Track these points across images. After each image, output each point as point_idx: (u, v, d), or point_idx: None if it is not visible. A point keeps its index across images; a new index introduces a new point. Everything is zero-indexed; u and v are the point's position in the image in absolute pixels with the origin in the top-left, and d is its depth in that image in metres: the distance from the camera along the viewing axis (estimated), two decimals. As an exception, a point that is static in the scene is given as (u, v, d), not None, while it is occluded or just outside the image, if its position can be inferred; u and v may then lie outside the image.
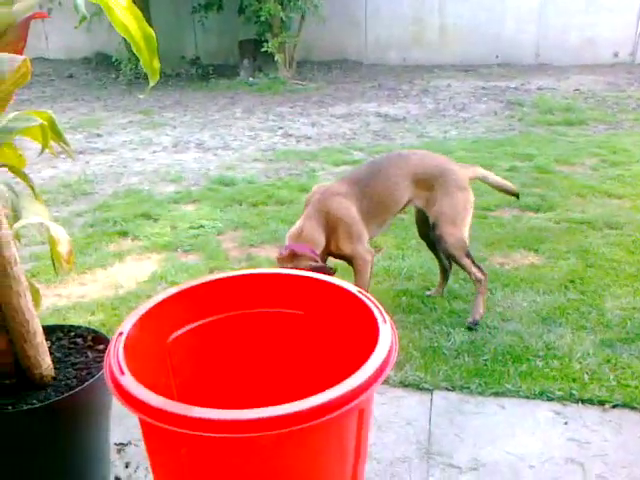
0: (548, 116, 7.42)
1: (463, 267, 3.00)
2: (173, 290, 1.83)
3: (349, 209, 2.84)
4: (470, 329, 2.94)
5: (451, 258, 3.04)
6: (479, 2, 11.14)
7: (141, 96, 8.88)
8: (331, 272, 2.60)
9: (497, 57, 11.19)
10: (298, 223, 2.86)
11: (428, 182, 2.97)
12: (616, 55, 11.07)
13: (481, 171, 3.17)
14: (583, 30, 10.93)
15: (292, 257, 2.70)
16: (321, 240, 2.80)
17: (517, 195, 3.35)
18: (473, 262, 2.99)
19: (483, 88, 9.32)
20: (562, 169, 5.41)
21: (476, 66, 10.99)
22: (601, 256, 3.68)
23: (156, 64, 1.83)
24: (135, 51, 1.78)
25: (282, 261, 2.72)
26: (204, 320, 1.86)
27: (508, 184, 3.29)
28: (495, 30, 11.20)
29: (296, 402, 1.30)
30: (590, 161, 5.62)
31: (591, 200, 4.64)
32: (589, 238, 3.95)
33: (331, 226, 2.82)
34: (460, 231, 2.94)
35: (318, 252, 2.76)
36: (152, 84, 1.82)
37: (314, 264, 2.65)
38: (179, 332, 1.83)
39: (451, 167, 3.03)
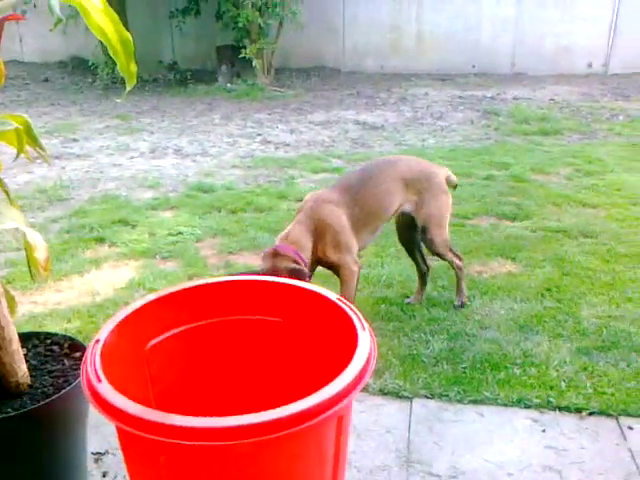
0: (524, 125, 7.51)
1: (447, 260, 3.23)
2: (151, 297, 1.81)
3: (339, 217, 2.86)
4: (450, 337, 2.97)
5: (438, 255, 3.22)
6: (456, 11, 11.28)
7: (118, 100, 8.80)
8: (306, 276, 2.60)
9: (474, 66, 11.32)
10: (288, 227, 2.87)
11: (416, 187, 3.06)
12: (590, 66, 11.28)
13: (449, 172, 3.28)
14: (558, 40, 11.12)
15: (274, 255, 2.70)
16: (308, 245, 2.80)
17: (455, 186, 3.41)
18: (455, 254, 3.24)
19: (460, 97, 9.41)
20: (538, 178, 5.48)
21: (453, 75, 11.11)
22: (577, 264, 3.73)
23: (133, 68, 1.81)
24: (112, 55, 1.76)
25: (264, 258, 2.73)
26: (183, 327, 1.84)
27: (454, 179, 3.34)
28: (472, 39, 11.34)
29: (275, 409, 1.29)
30: (565, 170, 5.71)
31: (566, 209, 4.70)
32: (565, 247, 4.00)
33: (320, 233, 2.82)
34: (445, 231, 3.15)
35: (304, 256, 2.76)
36: (129, 88, 1.80)
37: (292, 266, 2.64)
38: (157, 339, 1.81)
39: (434, 170, 3.15)
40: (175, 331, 1.85)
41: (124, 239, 4.20)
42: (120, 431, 1.53)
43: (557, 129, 7.33)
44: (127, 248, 4.07)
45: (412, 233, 3.27)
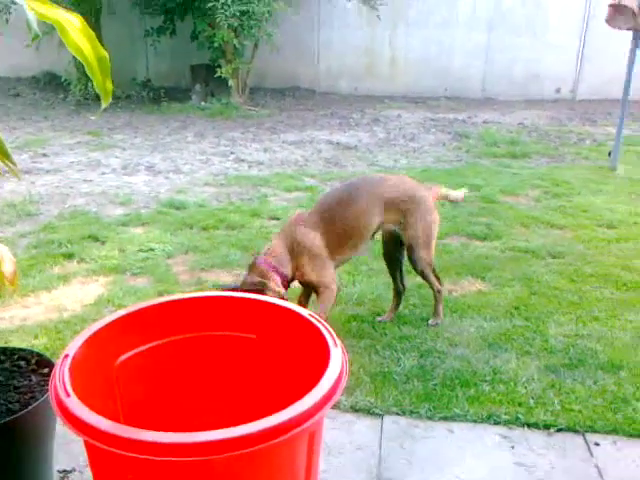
0: (494, 148, 7.66)
1: (429, 282, 3.27)
2: (121, 312, 1.80)
3: (314, 240, 2.92)
4: (420, 355, 2.99)
5: (421, 275, 3.26)
6: (428, 36, 11.50)
7: (92, 117, 8.73)
8: (270, 292, 2.68)
9: (446, 90, 11.53)
10: (271, 242, 2.99)
11: (399, 207, 3.09)
12: (558, 91, 11.58)
13: (442, 191, 3.36)
14: (528, 66, 11.41)
15: (249, 267, 2.87)
16: (287, 260, 2.89)
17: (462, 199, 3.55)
18: (437, 276, 3.29)
19: (432, 119, 9.56)
20: (507, 200, 5.58)
21: (425, 98, 11.30)
22: (544, 284, 3.79)
23: (109, 86, 1.81)
24: (88, 72, 1.77)
25: (247, 268, 2.90)
26: (153, 343, 1.82)
27: (461, 195, 3.45)
28: (444, 64, 11.56)
29: (246, 425, 1.29)
30: (533, 192, 5.82)
31: (535, 230, 4.79)
32: (533, 266, 4.07)
33: (296, 254, 2.90)
34: (431, 252, 3.20)
35: (284, 270, 2.85)
36: (104, 105, 1.80)
37: (253, 280, 2.77)
38: (127, 355, 1.79)
39: (421, 193, 3.17)
40: (145, 347, 1.83)
41: (93, 255, 4.15)
42: (88, 446, 1.51)
43: (526, 152, 7.48)
44: (96, 264, 4.02)
45: (397, 250, 3.30)
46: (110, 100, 1.82)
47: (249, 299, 1.86)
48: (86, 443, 1.47)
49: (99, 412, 1.41)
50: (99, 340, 1.71)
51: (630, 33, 6.25)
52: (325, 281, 2.91)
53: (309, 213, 3.04)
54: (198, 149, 7.51)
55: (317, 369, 1.51)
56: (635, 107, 10.12)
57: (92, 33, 1.77)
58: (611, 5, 6.02)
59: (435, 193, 3.27)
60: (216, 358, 1.86)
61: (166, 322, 1.84)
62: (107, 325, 1.75)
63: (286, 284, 2.90)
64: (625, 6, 5.84)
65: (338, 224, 2.96)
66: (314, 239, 2.90)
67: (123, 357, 1.78)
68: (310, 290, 3.06)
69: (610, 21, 6.15)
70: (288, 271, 2.88)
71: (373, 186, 3.11)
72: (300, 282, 3.00)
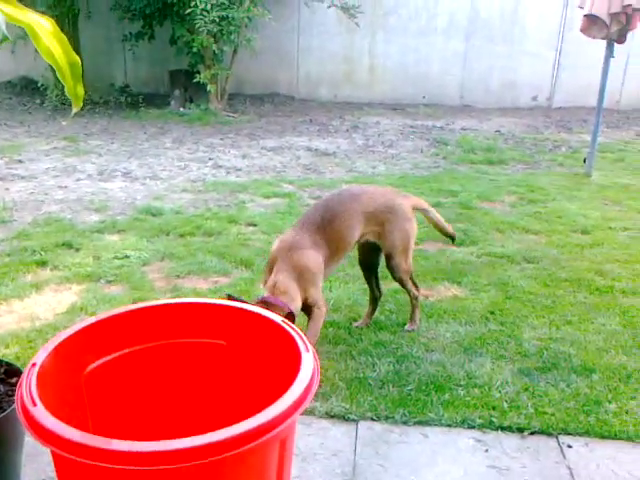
0: (471, 155, 7.72)
1: (407, 289, 3.28)
2: (91, 320, 1.78)
3: (318, 261, 2.89)
4: (396, 360, 2.99)
5: (400, 282, 3.27)
6: (407, 44, 11.58)
7: (64, 123, 8.64)
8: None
9: (424, 97, 11.60)
10: (272, 277, 2.83)
11: (379, 219, 3.11)
12: (535, 99, 11.72)
13: (424, 205, 3.37)
14: (505, 74, 11.53)
15: (264, 306, 2.67)
16: (296, 295, 2.79)
17: (453, 239, 3.58)
18: (413, 283, 3.31)
19: (410, 126, 9.62)
20: (483, 205, 5.63)
21: (404, 105, 11.36)
22: (519, 289, 3.83)
23: (80, 91, 1.79)
24: (59, 77, 1.75)
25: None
26: (123, 351, 1.81)
27: (447, 226, 3.45)
28: (422, 71, 11.65)
29: (216, 432, 1.28)
30: (509, 198, 5.88)
31: (510, 235, 4.84)
32: (508, 271, 4.11)
33: (300, 277, 2.82)
34: (409, 259, 3.21)
35: (293, 308, 2.70)
36: (75, 110, 1.79)
37: (287, 311, 2.58)
38: (97, 363, 1.77)
39: (398, 202, 3.18)
40: (116, 355, 1.81)
41: (67, 262, 4.10)
42: (56, 457, 1.49)
43: (502, 159, 7.55)
44: (70, 272, 3.97)
45: (374, 258, 3.32)
46: (81, 105, 1.81)
47: (219, 305, 1.85)
48: (53, 454, 1.45)
49: (67, 422, 1.39)
50: (67, 348, 1.69)
51: (604, 42, 6.36)
52: (319, 299, 2.88)
53: (299, 236, 2.92)
54: (176, 155, 7.47)
55: (288, 375, 1.50)
56: (609, 115, 10.31)
57: (64, 37, 1.75)
58: (585, 15, 6.12)
59: (412, 202, 3.27)
60: (186, 365, 1.84)
61: (136, 330, 1.82)
62: (76, 333, 1.73)
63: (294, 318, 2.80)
64: (598, 16, 5.94)
65: (330, 242, 2.95)
66: (316, 258, 2.87)
67: (92, 365, 1.77)
68: None
69: (585, 31, 6.25)
70: (298, 306, 2.77)
71: (353, 201, 3.10)
72: None
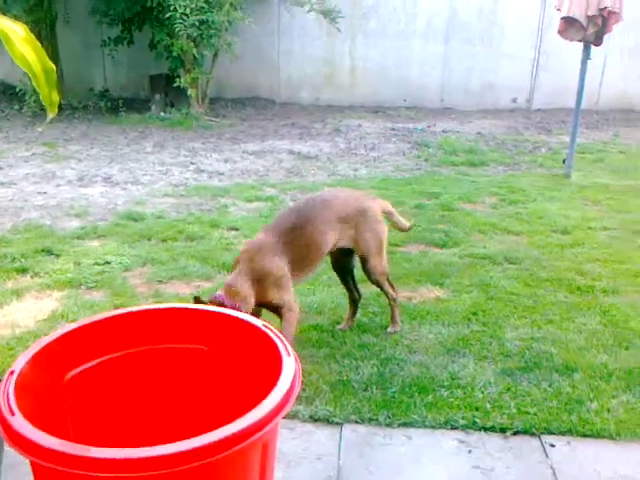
0: (452, 157, 7.77)
1: (384, 290, 3.30)
2: (70, 327, 1.76)
3: (278, 264, 2.87)
4: (380, 362, 3.00)
5: (376, 284, 3.28)
6: (387, 47, 11.62)
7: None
8: None
9: (405, 100, 11.65)
10: (231, 277, 2.86)
11: (351, 222, 3.12)
12: (514, 101, 11.82)
13: (390, 208, 3.38)
14: (484, 76, 11.62)
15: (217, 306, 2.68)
16: (249, 297, 2.79)
17: (408, 229, 3.59)
18: (391, 285, 3.32)
19: (392, 129, 9.65)
20: (465, 207, 5.66)
21: (385, 108, 11.40)
22: (501, 289, 3.85)
23: (55, 97, 1.78)
24: (34, 83, 1.73)
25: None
26: (103, 357, 1.79)
27: (405, 224, 3.49)
28: (403, 74, 11.70)
29: (197, 438, 1.27)
30: (491, 200, 5.92)
31: (492, 236, 4.87)
32: (490, 272, 4.13)
33: (261, 281, 2.82)
34: (383, 260, 3.24)
35: (244, 308, 2.70)
36: (50, 117, 1.78)
37: None
38: (77, 370, 1.75)
39: (368, 204, 3.21)
40: (95, 362, 1.80)
41: (47, 269, 4.06)
42: (35, 467, 1.47)
43: (483, 161, 7.61)
44: (50, 278, 3.93)
45: (346, 261, 3.33)
46: (56, 112, 1.79)
47: (200, 310, 1.84)
48: (32, 463, 1.43)
49: (47, 430, 1.37)
50: (47, 356, 1.67)
51: (582, 44, 6.43)
52: (287, 300, 2.87)
53: (265, 241, 2.94)
54: (157, 160, 7.43)
55: (270, 379, 1.50)
56: (588, 116, 10.43)
57: (38, 44, 1.74)
58: (563, 18, 6.19)
59: (381, 205, 3.30)
60: (168, 371, 1.83)
61: (117, 336, 1.81)
62: (55, 340, 1.71)
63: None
64: (575, 19, 6.01)
65: (298, 248, 2.94)
66: (279, 263, 2.86)
67: (72, 372, 1.75)
68: (260, 309, 3.04)
69: (562, 33, 6.32)
70: (249, 309, 2.75)
71: (326, 207, 3.10)
72: (263, 306, 2.93)
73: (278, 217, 3.16)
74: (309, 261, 3.02)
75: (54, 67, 1.75)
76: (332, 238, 3.07)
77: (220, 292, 2.79)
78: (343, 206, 3.14)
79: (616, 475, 2.30)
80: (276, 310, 2.92)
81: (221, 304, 2.64)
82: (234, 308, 2.64)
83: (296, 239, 2.94)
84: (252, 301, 2.80)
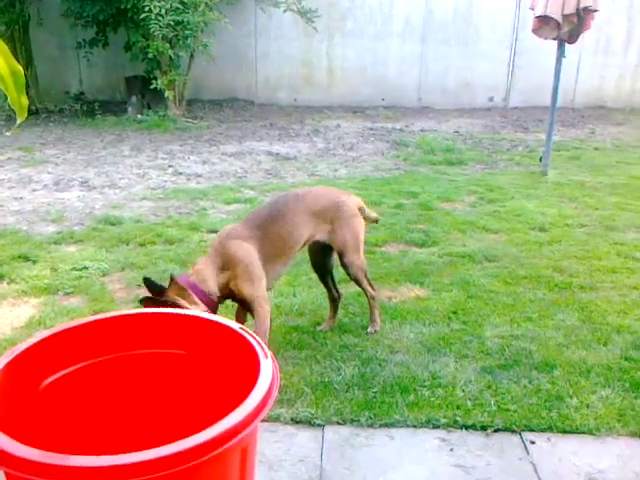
0: (430, 156, 7.81)
1: (363, 287, 3.30)
2: (45, 333, 1.73)
3: (249, 252, 2.85)
4: (361, 363, 3.00)
5: (356, 281, 3.28)
6: (364, 47, 11.66)
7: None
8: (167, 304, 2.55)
9: (383, 100, 11.70)
10: (200, 261, 2.89)
11: (326, 216, 3.12)
12: (491, 100, 11.93)
13: (361, 203, 3.38)
14: (461, 75, 11.71)
15: (169, 285, 2.70)
16: (210, 278, 2.78)
17: (376, 221, 3.58)
18: (369, 282, 3.31)
19: (370, 129, 9.68)
20: (444, 206, 5.69)
21: (364, 108, 11.44)
22: (481, 287, 3.88)
23: (24, 101, 1.75)
24: (2, 88, 1.70)
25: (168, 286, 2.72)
26: (80, 364, 1.76)
27: (374, 214, 3.49)
28: (380, 74, 11.75)
29: (175, 443, 1.26)
30: (469, 198, 5.96)
31: (471, 235, 4.90)
32: (470, 271, 4.15)
33: (230, 268, 2.81)
34: (361, 256, 3.24)
35: (204, 287, 2.74)
36: (20, 121, 1.75)
37: (162, 298, 2.61)
38: (53, 377, 1.72)
39: (343, 199, 3.23)
40: (73, 368, 1.77)
41: (24, 275, 4.00)
42: (10, 478, 1.44)
43: (461, 159, 7.66)
44: (27, 285, 3.87)
45: (325, 259, 3.33)
46: (25, 116, 1.76)
47: (178, 315, 1.82)
48: (7, 476, 1.40)
49: (24, 440, 1.35)
50: (21, 363, 1.64)
51: (556, 42, 6.50)
52: (259, 295, 2.84)
53: (238, 228, 2.96)
54: (135, 163, 7.36)
55: (248, 382, 1.48)
56: (564, 113, 10.56)
57: (4, 46, 1.70)
58: (537, 16, 6.25)
59: (356, 200, 3.31)
60: (145, 376, 1.81)
61: (94, 342, 1.78)
62: (30, 347, 1.68)
63: (211, 302, 2.77)
64: (550, 17, 6.07)
65: (270, 239, 2.94)
66: (248, 249, 2.85)
67: (48, 380, 1.72)
68: (245, 314, 3.03)
69: (537, 31, 6.38)
70: (211, 287, 2.76)
71: (299, 201, 3.11)
72: (234, 299, 2.93)
73: (252, 212, 3.18)
74: (282, 254, 3.01)
75: (22, 70, 1.72)
76: (306, 231, 3.07)
77: (186, 275, 2.80)
78: (316, 199, 3.15)
79: (595, 470, 2.32)
80: (248, 306, 2.90)
81: (172, 282, 2.68)
82: (189, 285, 2.70)
83: (269, 231, 2.95)
84: (212, 282, 2.77)
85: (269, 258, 2.92)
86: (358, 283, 3.29)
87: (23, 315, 3.52)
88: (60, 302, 3.69)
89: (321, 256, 3.32)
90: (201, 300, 2.71)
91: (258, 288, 2.85)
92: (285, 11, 10.20)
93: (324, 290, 3.45)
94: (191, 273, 2.82)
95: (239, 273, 2.82)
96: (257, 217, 3.03)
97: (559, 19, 6.05)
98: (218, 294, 2.81)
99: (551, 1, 6.02)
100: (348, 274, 3.25)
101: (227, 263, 2.81)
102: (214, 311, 2.75)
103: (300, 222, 3.04)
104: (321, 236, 3.14)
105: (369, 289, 3.31)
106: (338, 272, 3.43)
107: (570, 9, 5.95)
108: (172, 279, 2.70)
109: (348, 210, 3.18)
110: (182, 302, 2.61)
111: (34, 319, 3.45)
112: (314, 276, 3.88)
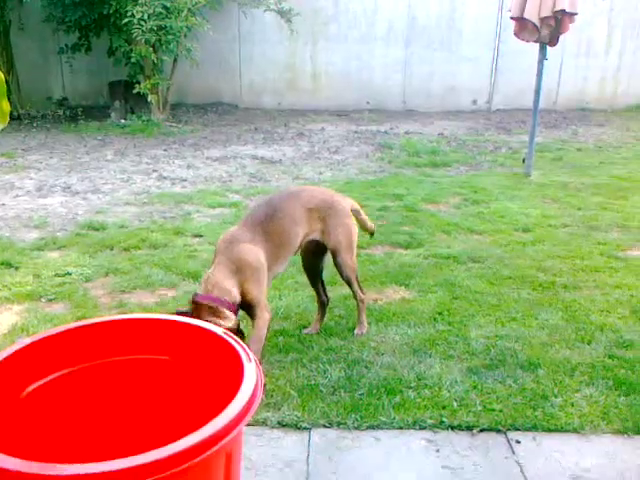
0: (415, 158, 7.84)
1: (353, 290, 3.30)
2: (27, 341, 1.71)
3: (257, 255, 2.85)
4: (347, 365, 2.99)
5: (347, 281, 3.27)
6: (348, 51, 11.70)
7: None
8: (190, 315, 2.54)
9: (368, 103, 11.74)
10: (210, 269, 2.83)
11: (320, 214, 3.13)
12: (475, 102, 12.01)
13: (357, 205, 3.39)
14: (445, 79, 11.78)
15: (194, 309, 2.66)
16: (231, 287, 2.76)
17: (372, 233, 3.59)
18: (359, 285, 3.32)
19: (355, 132, 9.71)
20: (429, 208, 5.71)
21: (348, 111, 11.46)
22: (466, 288, 3.89)
23: (6, 107, 1.74)
24: (-17, 93, 1.69)
25: (192, 310, 2.68)
26: (63, 371, 1.74)
27: (370, 224, 3.50)
28: (365, 78, 11.79)
29: (158, 449, 1.25)
30: (453, 200, 5.99)
31: (455, 236, 4.92)
32: (455, 272, 4.17)
33: (240, 272, 2.80)
34: (354, 256, 3.25)
35: (228, 299, 2.72)
36: (1, 127, 1.74)
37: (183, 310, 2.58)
38: (35, 385, 1.70)
39: (337, 198, 3.25)
40: (55, 375, 1.75)
41: (6, 282, 3.95)
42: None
43: (446, 161, 7.70)
44: (10, 292, 3.83)
45: (317, 261, 3.33)
46: (7, 121, 1.76)
47: (161, 320, 1.81)
48: (-11, 484, 1.38)
49: (6, 450, 1.33)
50: (3, 371, 1.63)
51: (538, 45, 6.55)
52: (262, 300, 2.84)
53: (240, 231, 2.94)
54: (118, 168, 7.32)
55: (232, 386, 1.48)
56: (547, 115, 10.66)
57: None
58: (513, 18, 6.30)
59: (349, 201, 3.32)
60: (129, 382, 1.79)
61: (76, 348, 1.76)
62: (11, 355, 1.66)
63: (235, 309, 2.76)
64: (528, 20, 6.12)
65: (271, 238, 2.94)
66: (257, 253, 2.85)
67: (31, 387, 1.70)
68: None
69: (518, 34, 6.44)
70: (235, 296, 2.75)
71: (294, 198, 3.13)
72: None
73: (249, 210, 3.16)
74: (281, 253, 3.00)
75: (2, 76, 1.71)
76: (302, 229, 3.07)
77: (198, 291, 2.76)
78: (311, 197, 3.16)
79: (579, 468, 2.34)
80: (250, 309, 2.87)
81: (196, 305, 2.65)
82: (215, 301, 2.65)
83: (269, 229, 2.95)
84: (235, 292, 2.75)
85: (272, 258, 2.93)
86: (349, 285, 3.29)
87: (5, 322, 3.48)
88: (43, 309, 3.65)
89: (313, 258, 3.31)
90: (230, 310, 2.69)
91: (262, 292, 2.86)
92: (265, 11, 10.21)
93: (310, 293, 3.45)
94: (205, 280, 2.77)
95: (248, 276, 2.81)
96: (255, 217, 3.01)
97: (536, 22, 6.10)
98: (239, 300, 2.79)
99: (528, 4, 6.07)
100: (341, 274, 3.25)
101: (239, 267, 2.80)
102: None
103: (296, 220, 3.04)
104: (315, 235, 3.14)
105: (359, 292, 3.31)
106: (327, 275, 3.42)
107: (546, 12, 6.00)
108: (195, 302, 2.66)
109: (342, 210, 3.20)
110: (219, 322, 2.56)
111: (17, 326, 3.42)
112: (300, 279, 3.88)
